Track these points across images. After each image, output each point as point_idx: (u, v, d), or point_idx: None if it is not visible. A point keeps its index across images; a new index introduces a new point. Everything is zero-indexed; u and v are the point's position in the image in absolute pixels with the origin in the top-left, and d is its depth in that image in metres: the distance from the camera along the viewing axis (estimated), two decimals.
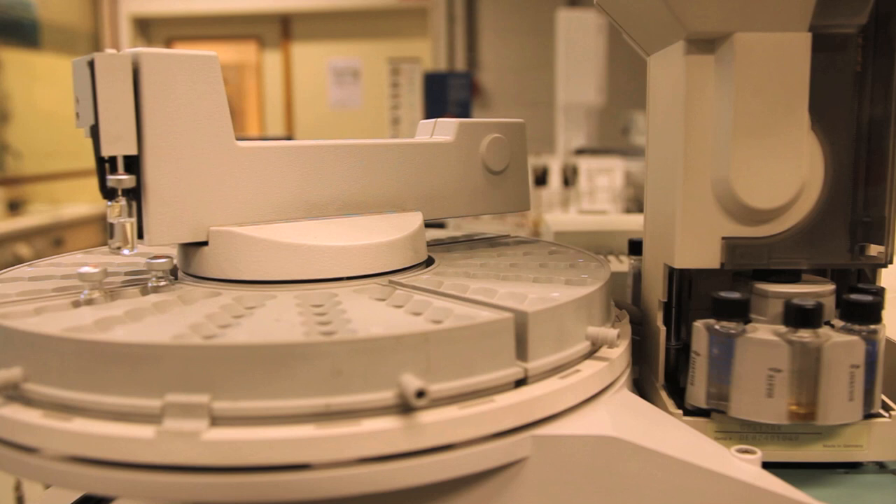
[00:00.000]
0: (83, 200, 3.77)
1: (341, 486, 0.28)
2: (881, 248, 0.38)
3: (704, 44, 0.37)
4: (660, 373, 0.40)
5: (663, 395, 0.40)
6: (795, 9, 0.35)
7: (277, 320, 0.32)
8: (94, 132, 0.36)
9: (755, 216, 0.37)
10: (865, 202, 0.38)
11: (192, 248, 0.40)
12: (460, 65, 3.76)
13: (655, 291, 0.41)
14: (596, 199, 1.52)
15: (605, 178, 1.53)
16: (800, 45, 0.36)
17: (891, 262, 0.38)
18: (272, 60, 4.15)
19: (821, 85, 0.37)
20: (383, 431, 0.28)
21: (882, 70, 0.37)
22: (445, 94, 2.57)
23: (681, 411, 0.38)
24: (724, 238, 0.38)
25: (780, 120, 0.36)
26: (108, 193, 0.37)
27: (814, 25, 0.36)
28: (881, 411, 0.38)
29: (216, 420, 0.28)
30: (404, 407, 0.29)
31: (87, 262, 0.46)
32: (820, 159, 0.38)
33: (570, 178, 1.56)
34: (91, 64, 0.35)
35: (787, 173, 0.36)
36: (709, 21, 0.36)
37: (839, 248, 0.38)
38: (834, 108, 0.38)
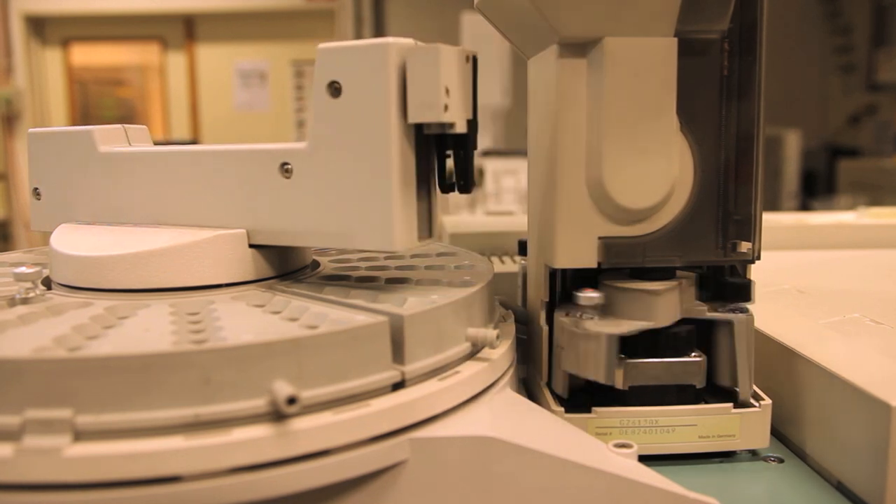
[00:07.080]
0: None
1: (213, 498, 0.27)
2: (750, 245, 0.40)
3: (577, 48, 0.37)
4: (543, 371, 0.41)
5: (546, 393, 0.40)
6: (661, 15, 0.36)
7: (147, 330, 0.31)
8: (473, 126, 0.37)
9: (629, 216, 0.38)
10: (735, 201, 0.40)
11: (64, 257, 0.39)
12: None
13: (539, 291, 0.42)
14: (502, 201, 1.54)
15: (511, 179, 1.55)
16: (666, 49, 0.37)
17: (758, 258, 0.40)
18: (176, 62, 4.06)
19: (689, 88, 0.38)
20: (255, 440, 0.28)
21: (747, 74, 0.39)
22: None
23: (562, 409, 0.39)
24: (600, 238, 0.39)
25: (650, 122, 0.37)
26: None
27: (679, 31, 0.37)
28: (752, 401, 0.40)
29: (80, 435, 0.27)
30: (276, 414, 0.28)
31: None
32: (690, 160, 0.39)
33: (476, 179, 1.57)
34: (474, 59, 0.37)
35: (657, 174, 0.38)
36: (579, 26, 0.37)
37: (710, 246, 0.40)
38: (702, 110, 0.39)
